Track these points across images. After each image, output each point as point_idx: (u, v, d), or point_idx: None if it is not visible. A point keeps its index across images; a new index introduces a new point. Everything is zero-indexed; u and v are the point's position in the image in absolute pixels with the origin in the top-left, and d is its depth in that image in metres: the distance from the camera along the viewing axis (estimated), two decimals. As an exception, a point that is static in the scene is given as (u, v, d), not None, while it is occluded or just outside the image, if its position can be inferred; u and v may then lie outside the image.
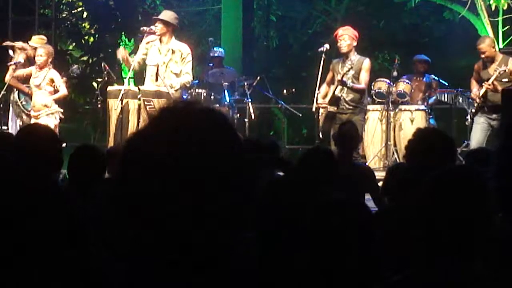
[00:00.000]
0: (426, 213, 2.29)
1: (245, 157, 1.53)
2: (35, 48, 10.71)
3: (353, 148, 7.05)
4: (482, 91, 9.78)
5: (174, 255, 1.46)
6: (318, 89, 9.72)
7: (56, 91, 10.29)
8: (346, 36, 9.67)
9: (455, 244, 2.27)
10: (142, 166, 1.47)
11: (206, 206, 1.45)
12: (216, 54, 12.29)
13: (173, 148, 1.46)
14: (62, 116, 10.38)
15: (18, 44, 11.02)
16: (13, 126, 11.09)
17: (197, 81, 11.35)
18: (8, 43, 11.36)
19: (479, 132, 9.84)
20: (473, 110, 10.03)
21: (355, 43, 9.70)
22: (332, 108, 9.63)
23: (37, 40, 11.04)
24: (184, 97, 9.86)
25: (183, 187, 1.44)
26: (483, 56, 9.87)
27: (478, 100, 9.90)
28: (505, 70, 9.67)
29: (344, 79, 9.45)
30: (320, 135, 9.91)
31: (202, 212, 1.45)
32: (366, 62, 9.66)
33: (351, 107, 9.59)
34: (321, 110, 9.79)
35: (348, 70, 9.46)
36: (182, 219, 1.44)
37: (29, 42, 11.06)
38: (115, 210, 1.51)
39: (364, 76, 9.63)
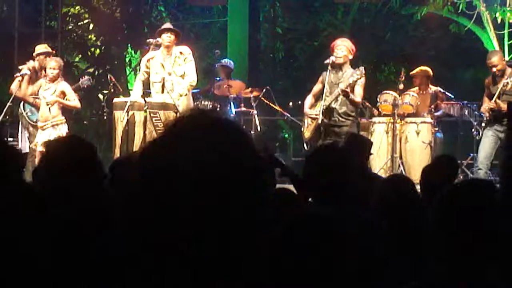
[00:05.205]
0: (440, 222, 2.31)
1: (262, 167, 1.52)
2: (45, 57, 10.71)
3: (368, 156, 7.07)
4: (490, 106, 9.82)
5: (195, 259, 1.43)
6: (324, 101, 9.66)
7: None
8: (344, 47, 9.57)
9: (467, 252, 2.28)
10: (163, 175, 1.43)
11: (232, 219, 1.43)
12: (226, 65, 12.35)
13: (195, 157, 1.43)
14: (67, 130, 10.12)
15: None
16: (22, 138, 11.09)
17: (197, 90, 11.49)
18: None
19: (487, 144, 9.84)
20: (483, 124, 10.03)
21: (351, 56, 9.59)
22: (326, 120, 9.56)
23: (40, 47, 11.05)
24: None
25: (207, 197, 1.42)
26: (495, 69, 9.84)
27: (487, 114, 9.90)
28: (508, 82, 9.66)
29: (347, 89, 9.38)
30: (305, 146, 9.90)
31: (228, 225, 1.43)
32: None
33: (343, 119, 9.52)
34: (308, 121, 9.74)
35: (356, 81, 9.36)
36: (207, 232, 1.42)
37: (34, 53, 11.03)
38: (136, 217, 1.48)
39: (360, 91, 9.54)
